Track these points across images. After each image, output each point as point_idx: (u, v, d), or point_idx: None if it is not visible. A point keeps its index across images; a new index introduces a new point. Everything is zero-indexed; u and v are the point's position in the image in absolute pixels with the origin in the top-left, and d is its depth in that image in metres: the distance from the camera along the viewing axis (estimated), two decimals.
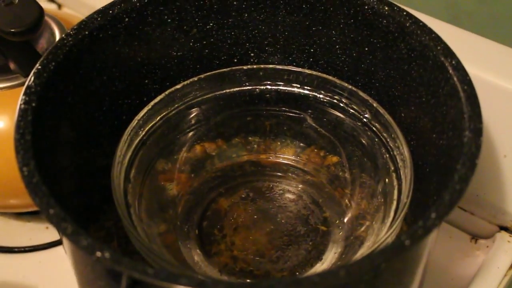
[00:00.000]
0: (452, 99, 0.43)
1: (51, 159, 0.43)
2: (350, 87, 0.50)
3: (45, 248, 0.60)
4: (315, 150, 0.54)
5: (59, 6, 0.81)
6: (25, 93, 0.42)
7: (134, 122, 0.48)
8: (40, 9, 0.50)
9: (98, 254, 0.35)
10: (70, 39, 0.46)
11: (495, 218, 0.58)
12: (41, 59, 0.44)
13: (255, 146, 0.54)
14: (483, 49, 0.56)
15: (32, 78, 0.43)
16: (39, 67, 0.43)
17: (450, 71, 0.43)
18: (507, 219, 0.57)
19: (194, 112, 0.52)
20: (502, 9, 0.64)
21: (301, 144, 0.54)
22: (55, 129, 0.44)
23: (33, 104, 0.42)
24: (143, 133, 0.49)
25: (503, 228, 0.58)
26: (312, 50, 0.52)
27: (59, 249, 0.59)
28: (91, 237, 0.35)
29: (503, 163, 0.55)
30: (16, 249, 0.60)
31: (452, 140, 0.42)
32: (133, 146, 0.48)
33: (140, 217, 0.47)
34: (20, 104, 0.42)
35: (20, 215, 0.62)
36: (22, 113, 0.41)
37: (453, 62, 0.43)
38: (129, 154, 0.48)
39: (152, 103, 0.50)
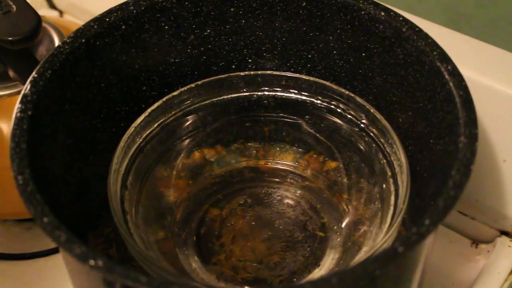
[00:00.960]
0: (448, 105, 0.43)
1: (47, 167, 0.43)
2: (347, 92, 0.50)
3: (46, 254, 0.60)
4: (314, 156, 0.54)
5: (61, 13, 0.81)
6: (21, 102, 0.42)
7: (131, 129, 0.48)
8: (38, 17, 0.50)
9: (92, 262, 0.35)
10: (66, 47, 0.46)
11: (496, 223, 0.58)
12: (37, 67, 0.44)
13: (254, 152, 0.54)
14: (482, 53, 0.56)
15: (28, 87, 0.43)
16: (35, 75, 0.44)
17: (446, 77, 0.43)
18: (508, 224, 0.57)
19: (192, 119, 0.52)
20: (501, 13, 0.64)
21: (300, 150, 0.54)
22: (51, 137, 0.44)
23: (29, 113, 0.42)
24: (141, 140, 0.49)
25: (504, 233, 0.58)
26: (309, 56, 0.52)
27: (59, 255, 0.60)
28: (85, 245, 0.35)
29: (502, 168, 0.55)
30: (17, 256, 0.60)
31: (449, 145, 0.42)
32: (131, 153, 0.48)
33: (137, 224, 0.47)
34: (16, 113, 0.42)
35: (21, 222, 0.63)
36: (18, 122, 0.41)
37: (449, 67, 0.43)
38: (126, 161, 0.48)
39: (149, 110, 0.50)
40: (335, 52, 0.51)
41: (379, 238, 0.46)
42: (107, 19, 0.48)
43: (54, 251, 0.60)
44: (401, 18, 0.46)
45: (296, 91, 0.52)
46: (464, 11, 0.65)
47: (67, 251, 0.35)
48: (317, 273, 0.48)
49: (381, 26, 0.47)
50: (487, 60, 0.55)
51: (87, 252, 0.35)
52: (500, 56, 0.55)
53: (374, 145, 0.49)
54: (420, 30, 0.45)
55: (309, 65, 0.53)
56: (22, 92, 0.43)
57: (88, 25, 0.47)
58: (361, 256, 0.47)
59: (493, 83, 0.53)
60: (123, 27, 0.48)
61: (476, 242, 0.60)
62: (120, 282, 0.34)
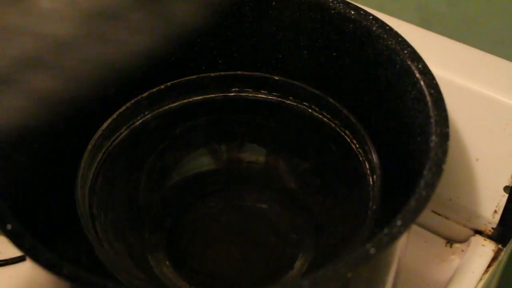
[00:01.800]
0: (419, 104, 0.42)
1: (12, 173, 0.42)
2: (318, 93, 0.49)
3: (14, 262, 0.59)
4: (287, 157, 0.53)
5: None
6: None
7: (99, 132, 0.47)
8: None
9: (57, 269, 0.34)
10: None
11: (470, 222, 0.58)
12: None
13: (225, 154, 0.54)
14: (455, 52, 0.55)
15: None
16: None
17: (417, 75, 0.43)
18: (481, 223, 0.57)
19: (161, 121, 0.51)
20: (473, 12, 0.64)
21: (272, 152, 0.54)
22: (16, 142, 0.43)
23: None
24: (109, 144, 0.48)
25: (478, 232, 0.58)
26: (280, 56, 0.52)
27: (29, 263, 0.58)
28: (50, 252, 0.35)
29: (475, 167, 0.54)
30: None
31: (420, 145, 0.42)
32: (99, 157, 0.47)
33: (106, 229, 0.46)
34: None
35: None
36: None
37: (420, 66, 0.43)
38: (95, 165, 0.47)
39: (117, 112, 0.49)
40: (306, 52, 0.50)
41: (352, 239, 0.45)
42: None
43: (22, 258, 0.59)
44: (371, 17, 0.46)
45: (267, 92, 0.51)
46: (437, 10, 0.65)
47: (31, 258, 0.35)
48: (291, 275, 0.47)
49: (351, 25, 0.47)
50: (459, 59, 0.55)
51: (52, 259, 0.34)
52: (472, 55, 0.55)
53: (346, 145, 0.49)
54: (391, 29, 0.45)
55: (279, 66, 0.52)
56: None
57: None
58: (334, 257, 0.46)
59: (465, 82, 0.53)
60: None
61: (450, 241, 0.60)
62: None
